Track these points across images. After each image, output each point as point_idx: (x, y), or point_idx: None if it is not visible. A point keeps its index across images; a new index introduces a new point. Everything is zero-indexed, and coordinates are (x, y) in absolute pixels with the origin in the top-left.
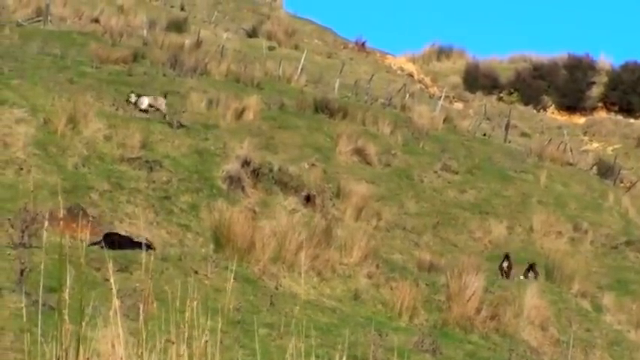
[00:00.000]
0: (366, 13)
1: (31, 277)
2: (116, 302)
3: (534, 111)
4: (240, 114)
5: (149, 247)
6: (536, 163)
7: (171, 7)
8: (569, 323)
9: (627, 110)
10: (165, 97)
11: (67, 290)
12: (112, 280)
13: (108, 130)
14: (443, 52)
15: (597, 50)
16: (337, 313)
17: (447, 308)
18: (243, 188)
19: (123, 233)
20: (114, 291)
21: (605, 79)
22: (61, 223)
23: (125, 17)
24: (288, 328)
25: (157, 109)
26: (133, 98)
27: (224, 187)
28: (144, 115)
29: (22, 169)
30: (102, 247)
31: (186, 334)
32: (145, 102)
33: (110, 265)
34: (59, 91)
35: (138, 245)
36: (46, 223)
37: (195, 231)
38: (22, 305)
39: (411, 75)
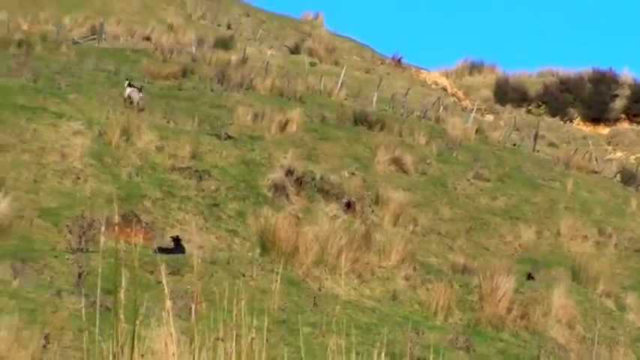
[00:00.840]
0: (402, 31)
1: (88, 279)
2: (168, 303)
3: (561, 122)
4: (284, 126)
5: (178, 242)
6: (563, 171)
7: (219, 25)
8: (595, 322)
9: None
10: (140, 89)
11: (123, 292)
12: (164, 283)
13: (160, 142)
14: (475, 67)
15: (620, 65)
16: (376, 313)
17: (480, 308)
18: (287, 196)
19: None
20: (166, 292)
21: (627, 92)
22: (117, 229)
23: (175, 35)
24: (330, 327)
25: (136, 105)
26: (126, 85)
27: (269, 194)
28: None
29: (79, 178)
30: (155, 252)
31: (234, 333)
32: (127, 92)
33: (163, 268)
34: (113, 105)
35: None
36: (103, 229)
37: (242, 236)
38: (81, 306)
39: (444, 89)
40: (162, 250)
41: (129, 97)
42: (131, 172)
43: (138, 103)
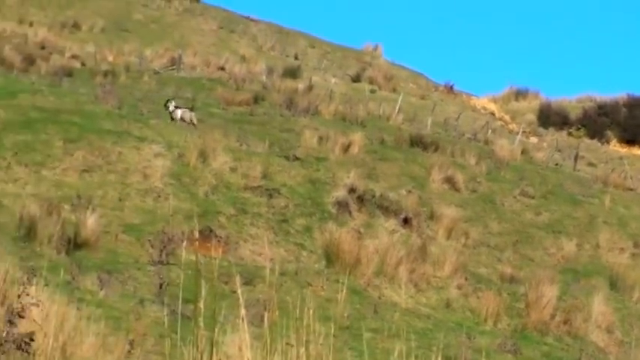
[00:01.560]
0: (454, 60)
1: (169, 290)
2: (243, 311)
3: (599, 144)
4: (346, 148)
5: None
6: (601, 188)
7: (287, 56)
8: (632, 327)
9: None
10: (191, 109)
11: (202, 301)
12: (239, 292)
13: (233, 163)
14: (520, 94)
15: None
16: (432, 320)
17: (526, 314)
18: (350, 212)
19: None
20: (241, 301)
21: None
22: (196, 243)
23: (247, 65)
24: (389, 332)
25: (191, 122)
26: (171, 107)
27: (333, 211)
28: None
29: (160, 196)
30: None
31: (303, 339)
32: (178, 114)
33: (238, 279)
34: (191, 130)
35: None
36: (185, 243)
37: (309, 249)
38: (162, 314)
39: (492, 113)
40: None
41: (182, 118)
42: (207, 191)
43: (192, 121)
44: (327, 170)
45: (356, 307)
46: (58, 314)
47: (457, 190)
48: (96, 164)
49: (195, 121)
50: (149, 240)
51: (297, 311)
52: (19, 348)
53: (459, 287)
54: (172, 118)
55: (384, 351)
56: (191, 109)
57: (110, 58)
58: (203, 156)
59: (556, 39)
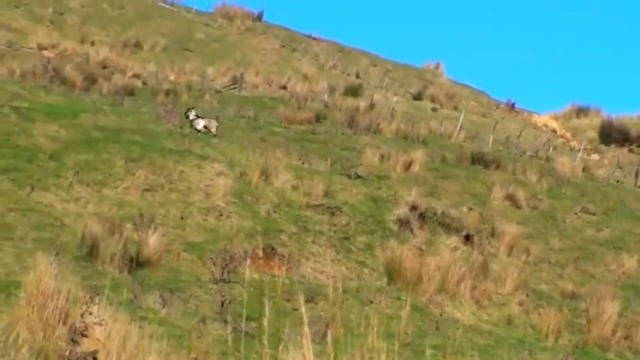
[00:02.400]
0: (516, 78)
1: (230, 307)
2: (306, 329)
3: None
4: (408, 166)
5: None
6: None
7: (348, 74)
8: None
9: None
10: (217, 119)
11: (265, 319)
12: (303, 310)
13: (295, 181)
14: (581, 111)
15: None
16: (493, 336)
17: (587, 330)
18: (411, 229)
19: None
20: (305, 319)
21: None
22: (259, 261)
23: (309, 84)
24: (452, 349)
25: (209, 131)
26: (191, 116)
27: (395, 228)
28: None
29: (221, 215)
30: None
31: (366, 356)
32: (200, 123)
33: (301, 297)
34: (253, 148)
35: None
36: (247, 261)
37: (370, 267)
38: (225, 332)
39: (554, 131)
40: None
41: (205, 127)
42: (269, 209)
43: (211, 130)
44: (388, 188)
45: (418, 324)
46: (121, 333)
47: (518, 207)
48: (158, 183)
49: (214, 131)
50: (211, 258)
51: (360, 328)
52: None
53: (521, 304)
54: (193, 127)
55: None
56: (217, 119)
57: (172, 77)
58: (265, 174)
59: (618, 56)
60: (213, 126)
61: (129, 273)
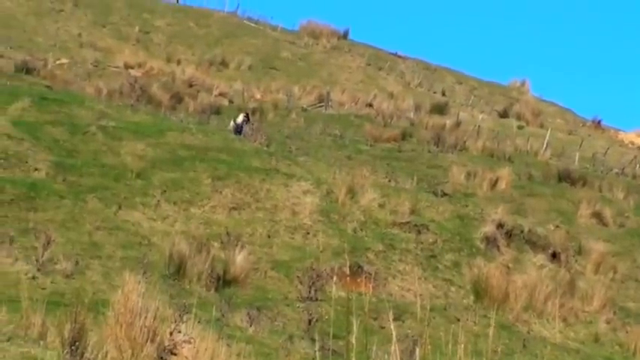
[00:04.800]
0: (601, 95)
1: (317, 326)
2: (394, 346)
3: None
4: (494, 184)
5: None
6: None
7: (434, 92)
8: None
9: None
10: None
11: (353, 337)
12: (392, 327)
13: (382, 199)
14: None
15: None
16: (580, 354)
17: None
18: (498, 247)
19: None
20: (394, 337)
21: None
22: (345, 279)
23: (395, 102)
24: None
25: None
26: (240, 118)
27: (482, 246)
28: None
29: (308, 233)
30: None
31: None
32: (240, 119)
33: (390, 315)
34: (339, 166)
35: None
36: (334, 279)
37: (457, 285)
38: (312, 350)
39: None
40: None
41: (239, 125)
42: (356, 227)
43: (244, 132)
44: (475, 206)
45: (505, 342)
46: (209, 351)
47: (605, 224)
48: (244, 202)
49: (249, 134)
50: (298, 276)
51: (448, 346)
52: None
53: (608, 322)
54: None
55: None
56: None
57: (258, 96)
58: (351, 192)
59: None
60: (246, 127)
61: (216, 291)
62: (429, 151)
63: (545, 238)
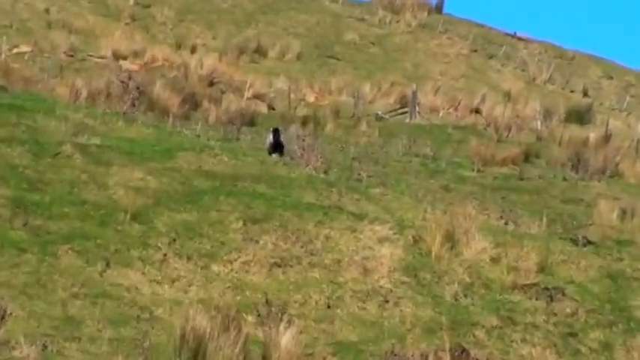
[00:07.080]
0: None
1: None
2: None
3: None
4: None
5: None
6: None
7: (571, 91)
8: None
9: None
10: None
11: None
12: None
13: (495, 250)
14: None
15: None
16: None
17: None
18: None
19: None
20: None
21: None
22: None
23: (513, 105)
24: None
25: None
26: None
27: None
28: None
29: (387, 301)
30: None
31: None
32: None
33: None
34: (432, 202)
35: None
36: None
37: None
38: None
39: None
40: None
41: (277, 140)
42: (457, 292)
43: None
44: (633, 259)
45: None
46: None
47: None
48: (292, 255)
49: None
50: None
51: None
52: None
53: None
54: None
55: None
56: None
57: (311, 98)
58: (450, 241)
59: None
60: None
61: None
62: (565, 179)
63: None
